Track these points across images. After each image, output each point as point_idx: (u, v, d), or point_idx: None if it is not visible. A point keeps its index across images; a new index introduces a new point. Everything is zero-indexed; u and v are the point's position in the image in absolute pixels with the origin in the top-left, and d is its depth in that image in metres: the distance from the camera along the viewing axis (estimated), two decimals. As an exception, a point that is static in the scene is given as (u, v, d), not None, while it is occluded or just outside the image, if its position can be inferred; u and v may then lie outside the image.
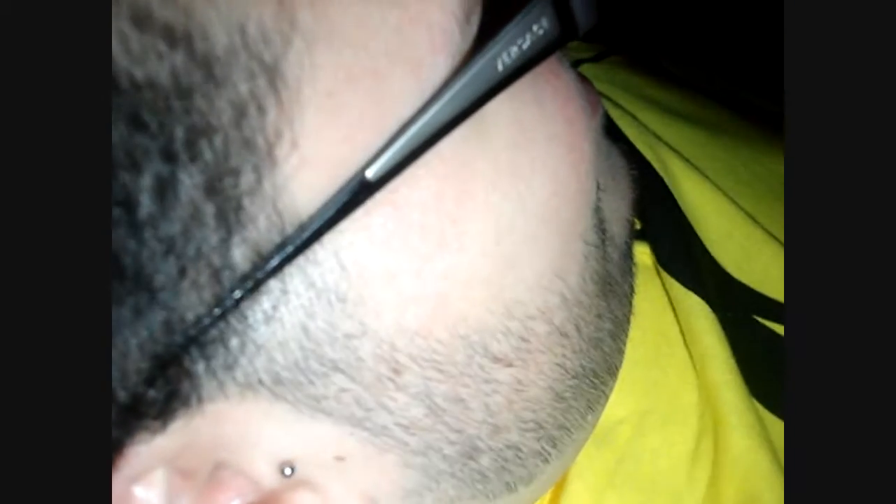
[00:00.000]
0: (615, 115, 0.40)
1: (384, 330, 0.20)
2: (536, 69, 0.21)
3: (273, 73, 0.18)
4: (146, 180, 0.17)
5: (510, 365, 0.22)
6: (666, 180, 0.37)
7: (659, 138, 0.40)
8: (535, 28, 0.20)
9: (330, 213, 0.18)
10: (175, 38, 0.17)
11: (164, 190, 0.17)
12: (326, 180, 0.18)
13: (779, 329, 0.35)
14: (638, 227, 0.35)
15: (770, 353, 0.34)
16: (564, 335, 0.23)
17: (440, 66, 0.19)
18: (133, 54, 0.16)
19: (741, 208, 0.37)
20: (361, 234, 0.19)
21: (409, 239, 0.19)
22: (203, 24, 0.17)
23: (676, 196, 0.36)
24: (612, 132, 0.36)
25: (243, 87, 0.17)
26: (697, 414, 0.32)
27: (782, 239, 0.37)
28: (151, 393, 0.18)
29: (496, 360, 0.22)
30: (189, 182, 0.17)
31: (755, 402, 0.32)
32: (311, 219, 0.18)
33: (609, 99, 0.42)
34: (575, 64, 0.45)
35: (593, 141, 0.24)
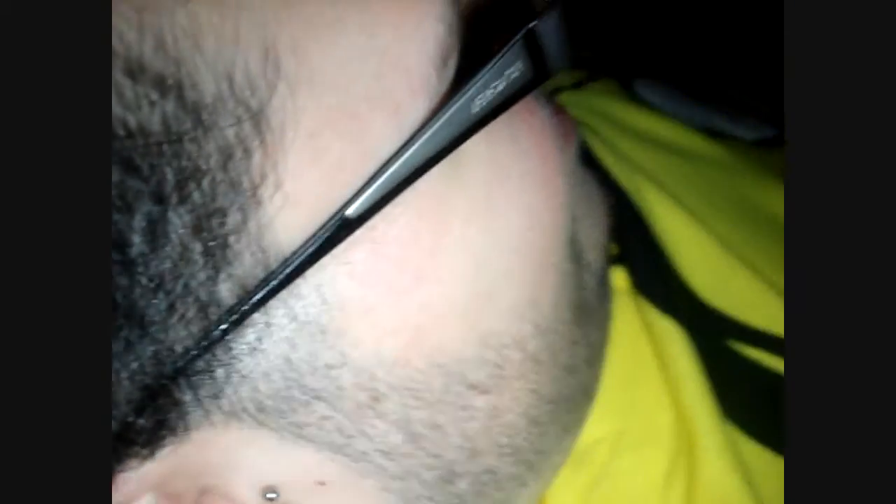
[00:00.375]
0: (592, 142, 0.41)
1: (364, 360, 0.20)
2: (512, 108, 0.21)
3: (258, 118, 0.18)
4: (138, 221, 0.17)
5: (486, 392, 0.22)
6: (640, 207, 0.37)
7: (636, 165, 0.40)
8: (508, 72, 0.21)
9: (312, 249, 0.19)
10: (166, 86, 0.17)
11: (155, 230, 0.18)
12: (309, 218, 0.19)
13: (753, 354, 0.35)
14: (614, 251, 0.36)
15: (744, 377, 0.34)
16: (539, 362, 0.24)
17: (418, 109, 0.20)
18: (127, 103, 0.17)
19: (716, 234, 0.38)
20: (342, 268, 0.20)
21: (388, 273, 0.20)
22: (192, 74, 0.18)
23: (650, 223, 0.37)
24: (588, 159, 0.37)
25: (230, 132, 0.18)
26: (672, 436, 0.32)
27: (757, 265, 0.37)
28: (141, 422, 0.19)
29: (472, 387, 0.22)
30: (178, 222, 0.18)
31: (730, 424, 0.33)
32: (294, 255, 0.19)
33: (587, 126, 0.43)
34: (554, 91, 0.45)
35: (568, 174, 0.25)
